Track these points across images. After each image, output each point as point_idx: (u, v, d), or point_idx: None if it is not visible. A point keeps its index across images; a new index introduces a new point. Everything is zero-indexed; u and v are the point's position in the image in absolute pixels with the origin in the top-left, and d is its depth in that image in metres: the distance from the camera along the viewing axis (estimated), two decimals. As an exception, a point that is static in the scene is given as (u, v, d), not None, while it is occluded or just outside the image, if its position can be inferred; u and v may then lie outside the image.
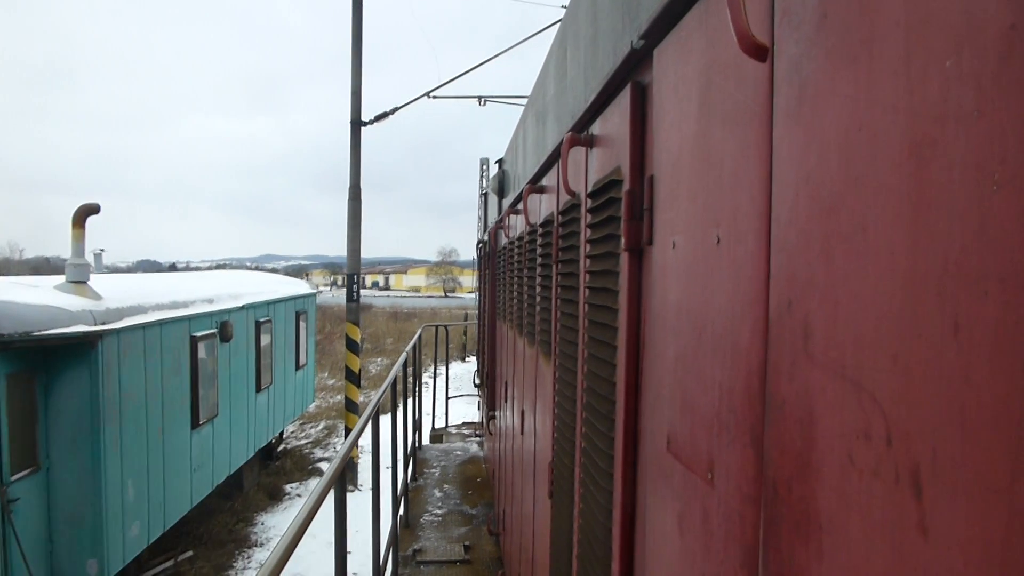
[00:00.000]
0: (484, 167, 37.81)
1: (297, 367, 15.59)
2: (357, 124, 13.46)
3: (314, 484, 12.29)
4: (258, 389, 12.71)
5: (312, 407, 18.88)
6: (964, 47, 0.61)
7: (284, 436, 16.71)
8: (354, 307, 13.59)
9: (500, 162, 6.33)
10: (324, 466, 14.60)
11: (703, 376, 1.22)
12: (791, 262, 0.92)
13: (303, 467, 15.09)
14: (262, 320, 12.81)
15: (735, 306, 1.09)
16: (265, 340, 13.03)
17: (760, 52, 0.95)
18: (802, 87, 0.90)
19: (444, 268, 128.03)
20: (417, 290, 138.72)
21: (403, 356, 7.01)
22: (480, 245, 9.28)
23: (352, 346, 13.60)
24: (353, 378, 13.58)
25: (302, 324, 16.00)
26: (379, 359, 32.02)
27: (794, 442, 0.89)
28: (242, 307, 11.64)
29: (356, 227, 13.48)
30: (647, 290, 1.59)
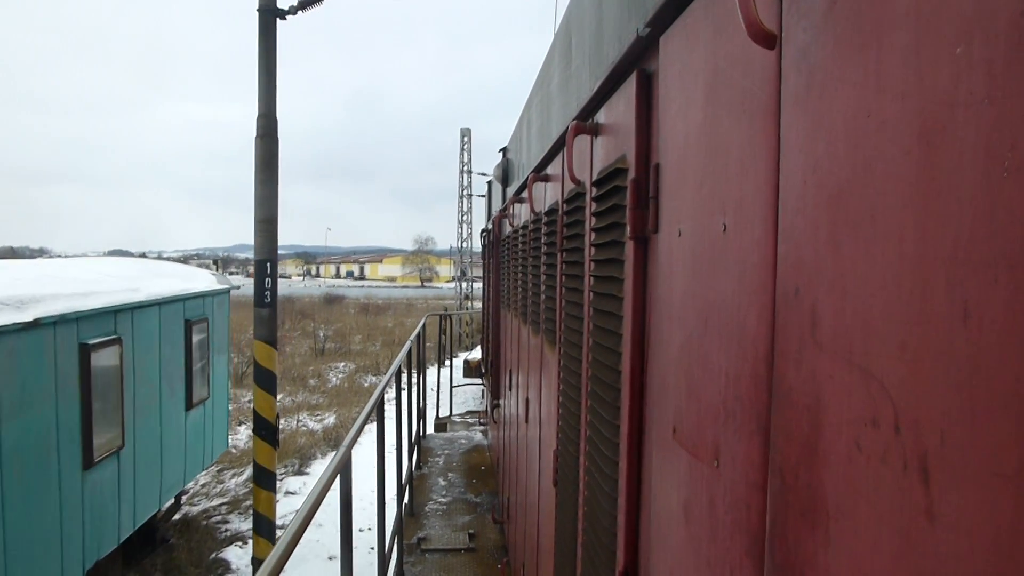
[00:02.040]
0: (465, 139, 36.72)
1: (189, 405, 10.16)
2: (271, 14, 8.61)
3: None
4: (89, 464, 7.31)
5: (244, 438, 14.26)
6: (974, 34, 0.61)
7: (189, 493, 11.98)
8: (266, 315, 8.12)
9: (504, 150, 6.31)
10: (235, 558, 9.76)
11: (709, 364, 1.22)
12: (798, 250, 0.92)
13: (201, 558, 9.76)
14: (97, 341, 7.45)
15: (742, 294, 1.09)
16: (106, 374, 7.66)
17: (768, 40, 0.95)
18: (810, 74, 0.89)
19: (420, 257, 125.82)
20: (393, 280, 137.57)
21: (407, 345, 7.03)
22: (484, 233, 9.28)
23: (264, 380, 8.34)
24: (266, 432, 8.26)
25: (198, 339, 10.48)
26: (342, 364, 26.18)
27: (801, 429, 0.89)
28: (32, 323, 6.38)
29: (270, 182, 8.10)
30: (652, 278, 1.60)
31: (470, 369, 15.57)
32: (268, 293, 8.26)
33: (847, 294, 0.80)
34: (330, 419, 17.48)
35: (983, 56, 0.60)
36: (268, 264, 8.35)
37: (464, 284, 38.11)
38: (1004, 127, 0.57)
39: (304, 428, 16.61)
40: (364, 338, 33.92)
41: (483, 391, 11.94)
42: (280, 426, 16.28)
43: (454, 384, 12.96)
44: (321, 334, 32.17)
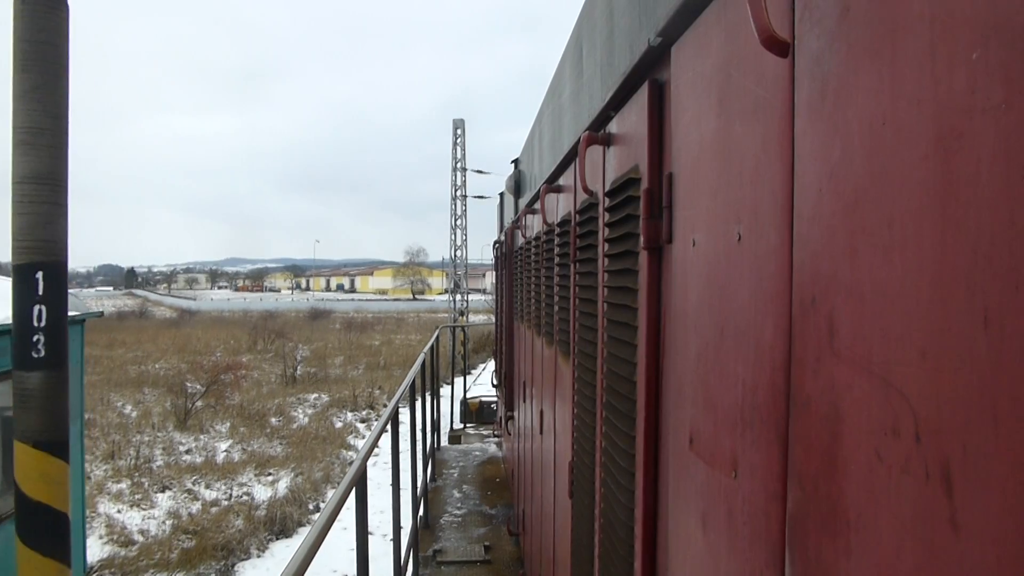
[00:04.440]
0: (458, 131, 32.31)
1: None
2: None
3: None
4: None
5: (164, 513, 10.92)
6: (991, 38, 0.61)
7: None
8: (38, 385, 2.87)
9: (516, 162, 6.33)
10: None
11: (726, 373, 1.21)
12: (815, 258, 0.91)
13: None
14: None
15: (758, 303, 1.09)
16: None
17: (781, 47, 0.95)
18: (824, 81, 0.89)
19: (412, 269, 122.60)
20: (384, 292, 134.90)
21: (421, 357, 7.03)
22: (496, 245, 9.29)
23: (33, 531, 2.82)
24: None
25: None
26: (314, 395, 21.48)
27: (820, 439, 0.88)
28: None
29: (53, 96, 2.89)
30: (667, 288, 1.59)
31: (469, 412, 12.11)
32: (41, 338, 2.99)
33: (865, 302, 0.79)
34: (283, 482, 12.97)
35: (1000, 60, 0.59)
36: (41, 273, 3.02)
37: (459, 297, 32.54)
38: (1023, 132, 0.57)
39: (245, 499, 11.97)
40: (346, 360, 29.09)
41: (497, 403, 11.91)
42: (221, 476, 11.82)
43: (468, 398, 12.83)
44: (299, 355, 27.88)
